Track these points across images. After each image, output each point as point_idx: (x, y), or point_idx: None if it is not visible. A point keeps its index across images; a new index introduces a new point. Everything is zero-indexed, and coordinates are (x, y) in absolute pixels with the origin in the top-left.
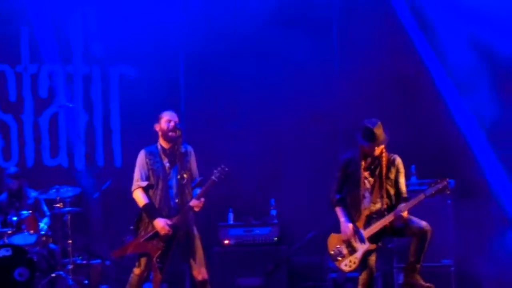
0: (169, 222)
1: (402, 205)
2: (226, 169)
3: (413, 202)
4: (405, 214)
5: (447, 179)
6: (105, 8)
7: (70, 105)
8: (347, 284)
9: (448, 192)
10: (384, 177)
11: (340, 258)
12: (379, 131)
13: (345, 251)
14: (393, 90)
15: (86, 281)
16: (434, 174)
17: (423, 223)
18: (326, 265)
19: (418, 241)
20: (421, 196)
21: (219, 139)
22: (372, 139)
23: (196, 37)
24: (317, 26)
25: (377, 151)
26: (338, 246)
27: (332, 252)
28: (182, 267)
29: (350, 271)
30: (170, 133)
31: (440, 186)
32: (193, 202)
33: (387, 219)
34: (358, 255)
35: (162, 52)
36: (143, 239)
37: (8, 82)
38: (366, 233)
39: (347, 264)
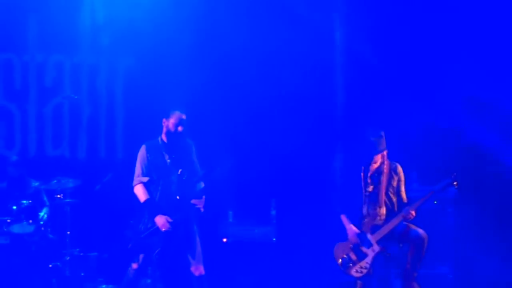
0: (169, 219)
1: (411, 204)
2: (228, 166)
3: (422, 199)
4: (413, 212)
5: (455, 173)
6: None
7: (75, 97)
8: None
9: (456, 187)
10: (386, 184)
11: (350, 265)
12: (379, 140)
13: (354, 257)
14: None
15: (83, 273)
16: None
17: (420, 231)
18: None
19: (415, 248)
20: (429, 194)
21: (223, 136)
22: (374, 147)
23: (199, 32)
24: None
25: (379, 159)
26: (346, 253)
27: (340, 261)
28: (180, 262)
29: (362, 277)
30: (174, 135)
31: (449, 180)
32: (195, 200)
33: (396, 220)
34: (369, 259)
35: (166, 46)
36: (143, 235)
37: (14, 71)
38: (374, 237)
39: (358, 270)
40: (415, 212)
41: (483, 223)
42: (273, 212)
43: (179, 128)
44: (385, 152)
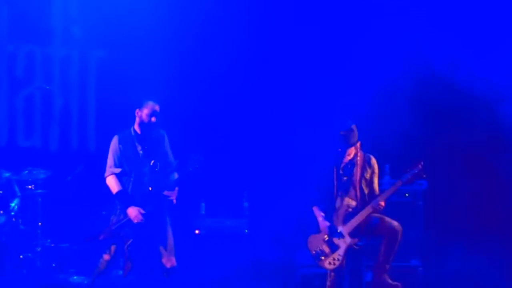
0: (142, 210)
1: (380, 194)
2: (202, 158)
3: (391, 190)
4: (382, 203)
5: (421, 162)
6: None
7: (47, 87)
8: (315, 280)
9: (424, 176)
10: (359, 176)
11: (323, 258)
12: (351, 134)
13: (327, 249)
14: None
15: (54, 264)
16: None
17: (395, 223)
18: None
19: (388, 241)
20: (399, 183)
21: (195, 128)
22: (345, 141)
23: (172, 22)
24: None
25: (351, 152)
26: (319, 245)
27: (314, 253)
28: (152, 254)
29: (335, 268)
30: (147, 126)
31: (416, 170)
32: (167, 192)
33: (366, 211)
34: (341, 251)
35: (140, 37)
36: (115, 227)
37: None
38: (345, 228)
39: (331, 262)
40: (385, 203)
41: (453, 215)
42: (246, 204)
43: (152, 119)
44: (358, 144)
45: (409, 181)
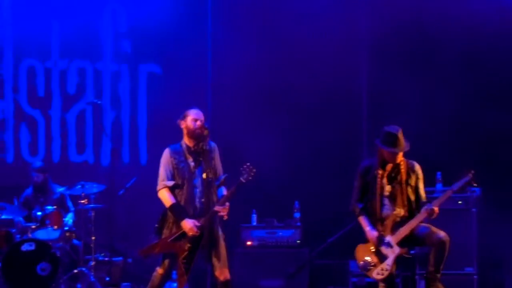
0: (197, 223)
1: (432, 202)
2: (254, 169)
3: (442, 198)
4: (436, 210)
5: (472, 171)
6: (134, 6)
7: (98, 102)
8: None
9: (475, 185)
10: (404, 183)
11: (371, 268)
12: (401, 136)
13: (375, 259)
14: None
15: (108, 278)
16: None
17: (442, 234)
18: (348, 269)
19: (436, 251)
20: (449, 192)
21: (245, 138)
22: (394, 144)
23: (223, 33)
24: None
25: (399, 158)
26: (367, 256)
27: (361, 263)
28: (204, 267)
29: (383, 279)
30: (196, 132)
31: (467, 179)
32: (218, 208)
33: (418, 219)
34: (389, 261)
35: (189, 50)
36: (170, 240)
37: (37, 77)
38: (394, 238)
39: (379, 272)
40: (438, 210)
41: (508, 221)
42: (297, 215)
43: (198, 123)
44: (402, 151)
45: (461, 190)
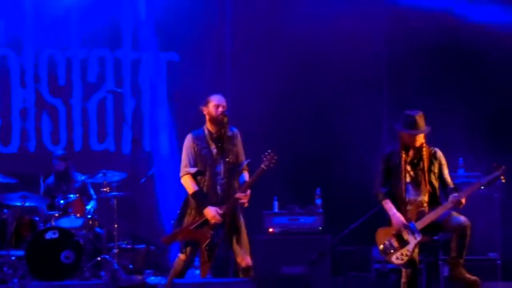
0: (219, 210)
1: (460, 193)
2: (275, 156)
3: (470, 189)
4: (463, 201)
5: (503, 166)
6: None
7: (119, 91)
8: (391, 275)
9: (504, 181)
10: (427, 170)
11: (391, 252)
12: (420, 119)
13: (396, 244)
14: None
15: (131, 266)
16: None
17: (463, 219)
18: (370, 256)
19: (458, 237)
20: (477, 185)
21: (265, 124)
22: (413, 126)
23: (242, 19)
24: None
25: (418, 141)
26: (388, 239)
27: (382, 247)
28: (226, 253)
29: (401, 264)
30: (218, 118)
31: (497, 174)
32: (239, 195)
33: (444, 207)
34: (410, 247)
35: (208, 37)
36: (192, 227)
37: (58, 67)
38: (418, 225)
39: (399, 257)
40: (465, 201)
41: None
42: (318, 201)
43: (219, 109)
44: (423, 137)
45: (489, 184)
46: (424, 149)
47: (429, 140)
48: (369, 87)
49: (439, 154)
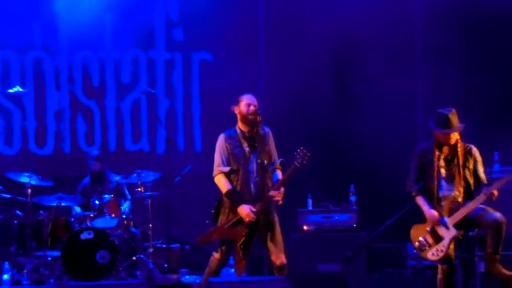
0: (253, 209)
1: (491, 186)
2: (308, 153)
3: (502, 181)
4: (495, 192)
5: None
6: None
7: (152, 91)
8: (427, 272)
9: None
10: (462, 167)
11: (426, 248)
12: (454, 117)
13: (430, 240)
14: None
15: (166, 265)
16: None
17: (498, 215)
18: (405, 252)
19: (493, 233)
20: (509, 177)
21: (298, 122)
22: (447, 125)
23: (274, 17)
24: None
25: (452, 139)
26: (423, 236)
27: (417, 243)
28: (260, 251)
29: (437, 260)
30: (249, 117)
31: None
32: (273, 193)
33: (476, 201)
34: (445, 242)
35: (240, 37)
36: (227, 226)
37: (92, 68)
38: (451, 220)
39: (434, 253)
40: (497, 193)
41: None
42: (352, 198)
43: (251, 108)
44: (458, 133)
45: None
46: (459, 145)
47: (463, 134)
48: (403, 81)
49: (474, 150)
